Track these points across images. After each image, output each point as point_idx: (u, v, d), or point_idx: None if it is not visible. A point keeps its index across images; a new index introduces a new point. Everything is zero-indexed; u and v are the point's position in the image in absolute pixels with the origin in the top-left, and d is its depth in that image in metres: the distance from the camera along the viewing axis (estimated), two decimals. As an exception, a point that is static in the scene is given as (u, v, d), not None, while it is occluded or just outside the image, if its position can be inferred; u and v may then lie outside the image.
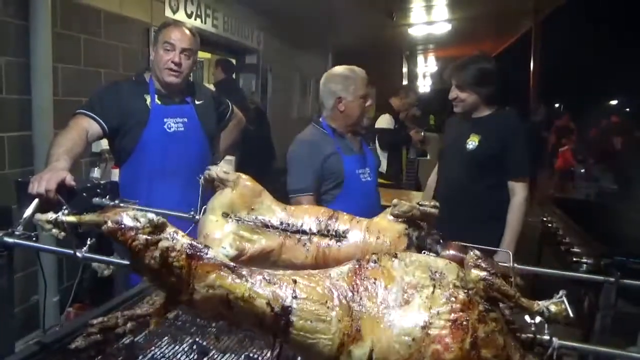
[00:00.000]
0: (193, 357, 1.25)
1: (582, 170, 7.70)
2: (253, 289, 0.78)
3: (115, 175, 2.44)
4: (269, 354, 1.26)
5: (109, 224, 0.75)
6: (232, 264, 0.81)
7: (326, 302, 0.77)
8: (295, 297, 0.77)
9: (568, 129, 11.47)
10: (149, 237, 0.75)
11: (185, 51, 2.10)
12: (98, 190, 1.44)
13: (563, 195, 6.28)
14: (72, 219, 0.89)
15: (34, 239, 1.13)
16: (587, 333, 1.77)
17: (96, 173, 3.21)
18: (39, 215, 0.98)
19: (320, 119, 2.29)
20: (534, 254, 3.45)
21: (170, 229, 0.78)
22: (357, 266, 0.82)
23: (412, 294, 0.77)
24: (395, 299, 0.77)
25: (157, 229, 0.76)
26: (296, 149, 2.25)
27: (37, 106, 2.74)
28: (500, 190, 2.35)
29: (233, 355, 1.26)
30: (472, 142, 2.33)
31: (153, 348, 1.26)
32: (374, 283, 0.79)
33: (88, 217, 0.82)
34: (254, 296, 0.77)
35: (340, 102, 2.19)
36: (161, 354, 1.24)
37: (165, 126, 2.10)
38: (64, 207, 0.98)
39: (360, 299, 0.78)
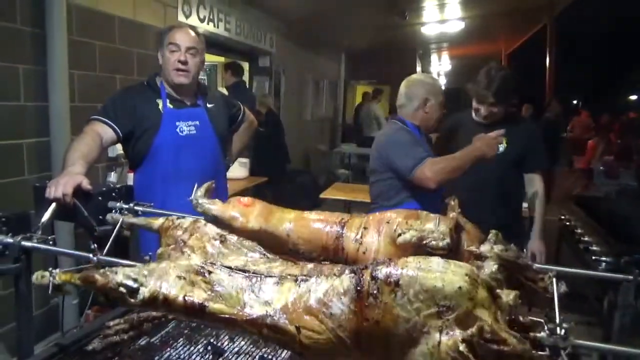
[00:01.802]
0: (208, 357, 1.26)
1: (602, 168, 7.57)
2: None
3: (131, 179, 2.47)
4: (282, 354, 1.27)
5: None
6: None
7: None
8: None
9: (588, 125, 11.32)
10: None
11: (190, 50, 2.12)
12: (113, 194, 1.46)
13: (581, 193, 6.17)
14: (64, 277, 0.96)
15: (51, 242, 1.14)
16: (608, 332, 1.74)
17: (113, 177, 3.26)
18: (35, 277, 0.98)
19: (400, 118, 2.35)
20: (553, 253, 3.40)
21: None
22: (355, 301, 0.76)
23: (416, 337, 0.73)
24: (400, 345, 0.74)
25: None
26: (393, 136, 2.28)
27: (54, 113, 2.79)
28: (520, 187, 2.57)
29: (247, 356, 1.27)
30: (502, 145, 2.39)
31: (168, 349, 1.28)
32: (377, 324, 0.74)
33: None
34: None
35: (426, 104, 2.28)
36: (176, 355, 1.26)
37: (178, 130, 2.12)
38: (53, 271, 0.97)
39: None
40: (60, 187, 1.38)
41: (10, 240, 1.11)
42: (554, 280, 0.92)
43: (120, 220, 1.24)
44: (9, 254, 1.12)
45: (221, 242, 0.98)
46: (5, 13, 2.56)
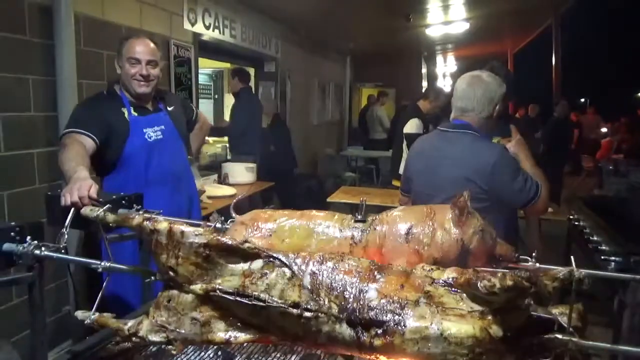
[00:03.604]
0: (218, 363, 1.27)
1: (611, 167, 7.51)
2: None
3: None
4: (292, 359, 1.28)
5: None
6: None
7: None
8: None
9: (596, 124, 11.24)
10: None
11: (150, 62, 2.18)
12: (123, 201, 1.48)
13: (591, 193, 6.12)
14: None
15: (62, 251, 1.16)
16: (618, 332, 1.73)
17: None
18: (86, 208, 1.28)
19: (468, 124, 2.00)
20: (562, 253, 3.38)
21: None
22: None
23: None
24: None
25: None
26: (501, 163, 1.89)
27: (63, 122, 2.81)
28: None
29: (257, 361, 1.28)
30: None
31: (179, 355, 1.29)
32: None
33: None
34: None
35: (497, 107, 1.99)
36: (187, 361, 1.27)
37: (146, 136, 2.19)
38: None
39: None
40: (75, 192, 1.40)
41: (23, 249, 1.13)
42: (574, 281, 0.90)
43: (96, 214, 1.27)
44: (23, 262, 1.14)
45: (204, 258, 1.00)
46: (15, 25, 2.60)
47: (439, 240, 1.01)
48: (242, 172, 4.43)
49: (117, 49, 2.22)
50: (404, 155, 4.55)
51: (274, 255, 0.95)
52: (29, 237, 1.14)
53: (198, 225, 1.07)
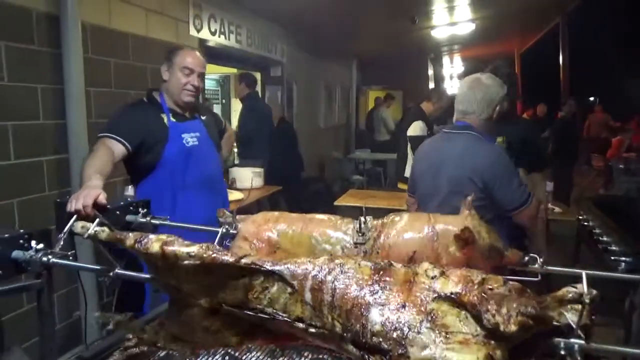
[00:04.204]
0: (226, 368, 1.27)
1: (621, 166, 7.44)
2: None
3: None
4: (299, 363, 1.28)
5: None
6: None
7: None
8: None
9: (605, 122, 11.13)
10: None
11: (201, 75, 2.29)
12: (131, 207, 1.49)
13: (600, 193, 6.07)
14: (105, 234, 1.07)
15: (70, 258, 1.17)
16: (628, 333, 1.71)
17: (130, 191, 3.30)
18: (77, 225, 1.17)
19: (469, 125, 2.02)
20: (571, 254, 3.36)
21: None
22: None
23: None
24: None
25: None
26: (499, 162, 1.93)
27: (72, 129, 2.86)
28: None
29: (264, 366, 1.28)
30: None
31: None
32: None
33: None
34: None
35: (497, 108, 2.01)
36: (195, 366, 1.27)
37: (184, 141, 2.26)
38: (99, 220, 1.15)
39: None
40: (80, 200, 1.42)
41: (32, 256, 1.14)
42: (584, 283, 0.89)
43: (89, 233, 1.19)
44: (31, 269, 1.15)
45: (205, 274, 0.99)
46: (24, 35, 2.64)
47: (443, 261, 1.01)
48: (249, 177, 4.45)
49: (165, 57, 2.31)
50: (409, 157, 4.55)
51: (273, 270, 0.94)
52: (36, 244, 1.15)
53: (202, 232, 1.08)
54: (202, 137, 2.34)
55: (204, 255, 0.96)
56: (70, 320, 2.95)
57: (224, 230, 1.24)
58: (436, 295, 0.83)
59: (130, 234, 1.08)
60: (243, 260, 0.95)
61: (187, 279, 1.00)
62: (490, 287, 0.80)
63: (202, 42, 4.46)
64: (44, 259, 1.13)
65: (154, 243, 1.01)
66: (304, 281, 0.91)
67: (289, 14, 5.80)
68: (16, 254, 1.14)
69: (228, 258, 0.96)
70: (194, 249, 0.97)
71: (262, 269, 0.94)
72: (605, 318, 2.30)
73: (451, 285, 0.83)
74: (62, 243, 1.19)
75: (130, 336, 1.29)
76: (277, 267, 0.94)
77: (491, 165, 1.91)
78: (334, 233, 1.10)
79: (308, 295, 0.91)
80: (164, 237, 1.02)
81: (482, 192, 1.87)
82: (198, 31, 4.38)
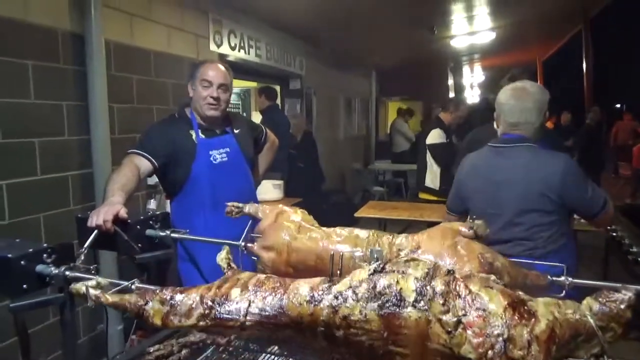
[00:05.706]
0: (245, 382, 1.26)
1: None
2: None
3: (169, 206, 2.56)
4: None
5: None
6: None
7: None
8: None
9: (633, 129, 10.86)
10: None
11: (221, 86, 2.22)
12: (151, 222, 1.51)
13: (629, 202, 5.90)
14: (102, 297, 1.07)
15: (93, 272, 1.19)
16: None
17: (152, 204, 3.36)
18: (74, 286, 1.09)
19: (523, 137, 1.96)
20: (600, 265, 3.26)
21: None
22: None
23: None
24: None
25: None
26: (572, 171, 1.87)
27: (96, 145, 2.93)
28: None
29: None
30: None
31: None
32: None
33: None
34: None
35: (546, 115, 1.98)
36: (214, 380, 1.27)
37: (212, 158, 2.22)
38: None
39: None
40: (101, 215, 1.45)
41: (55, 270, 1.16)
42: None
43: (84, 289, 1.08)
44: (55, 283, 1.17)
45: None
46: (50, 54, 2.72)
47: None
48: (269, 189, 4.46)
49: (190, 73, 2.30)
50: (431, 166, 4.51)
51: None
52: (56, 257, 1.17)
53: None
54: (232, 153, 2.29)
55: (205, 322, 0.99)
56: (94, 333, 2.99)
57: (242, 247, 1.25)
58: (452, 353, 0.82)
59: (128, 301, 1.07)
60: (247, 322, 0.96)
61: (193, 327, 1.03)
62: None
63: (222, 57, 4.53)
64: (67, 273, 1.15)
65: (155, 315, 1.03)
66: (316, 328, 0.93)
67: (307, 27, 5.85)
68: (40, 268, 1.16)
69: (228, 318, 0.98)
70: (193, 320, 0.99)
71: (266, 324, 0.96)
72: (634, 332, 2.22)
73: (466, 347, 0.81)
74: (82, 257, 1.21)
75: (151, 349, 1.30)
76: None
77: (563, 175, 1.81)
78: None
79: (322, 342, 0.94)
80: (161, 307, 1.03)
81: (556, 205, 1.82)
82: (218, 46, 4.45)
